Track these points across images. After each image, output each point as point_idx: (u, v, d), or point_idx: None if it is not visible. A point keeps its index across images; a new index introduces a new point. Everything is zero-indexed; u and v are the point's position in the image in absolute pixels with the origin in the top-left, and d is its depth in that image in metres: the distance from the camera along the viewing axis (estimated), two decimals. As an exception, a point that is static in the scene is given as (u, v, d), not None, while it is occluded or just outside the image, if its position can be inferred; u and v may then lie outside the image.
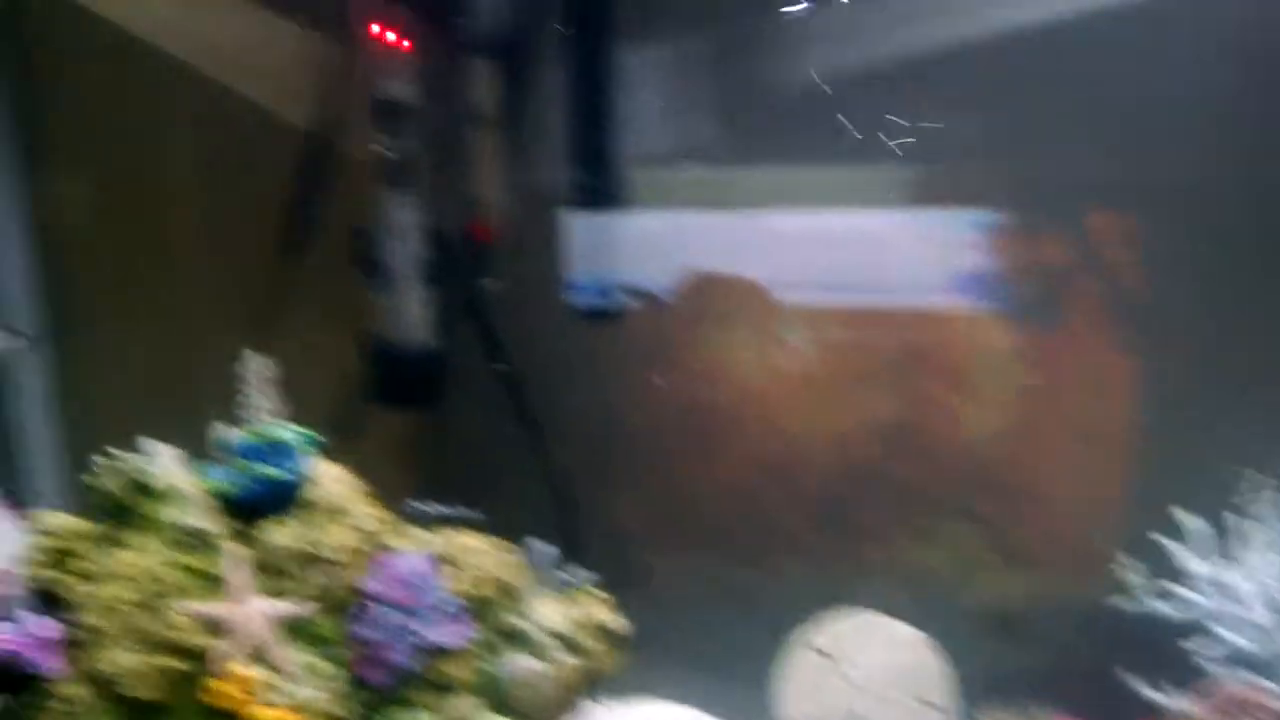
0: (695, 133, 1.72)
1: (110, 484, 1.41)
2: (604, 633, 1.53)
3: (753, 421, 1.82)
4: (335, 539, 1.42)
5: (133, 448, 1.43)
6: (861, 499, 1.79)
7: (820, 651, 1.55)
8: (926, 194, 1.67)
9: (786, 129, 1.64)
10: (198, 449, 1.48)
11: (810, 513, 1.82)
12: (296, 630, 1.38)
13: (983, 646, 1.67)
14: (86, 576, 1.36)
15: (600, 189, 1.71)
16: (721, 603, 1.81)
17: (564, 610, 1.52)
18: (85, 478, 1.42)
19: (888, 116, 1.57)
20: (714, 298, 1.81)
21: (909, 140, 1.59)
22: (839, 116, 1.57)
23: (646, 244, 1.79)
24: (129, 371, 1.86)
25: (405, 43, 1.56)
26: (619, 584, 1.58)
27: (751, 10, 1.63)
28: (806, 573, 1.79)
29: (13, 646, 1.31)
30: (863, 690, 1.51)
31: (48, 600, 1.37)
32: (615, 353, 1.83)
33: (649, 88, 1.69)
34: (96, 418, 1.83)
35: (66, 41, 1.75)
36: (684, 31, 1.69)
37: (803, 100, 1.62)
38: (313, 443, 1.47)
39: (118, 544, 1.39)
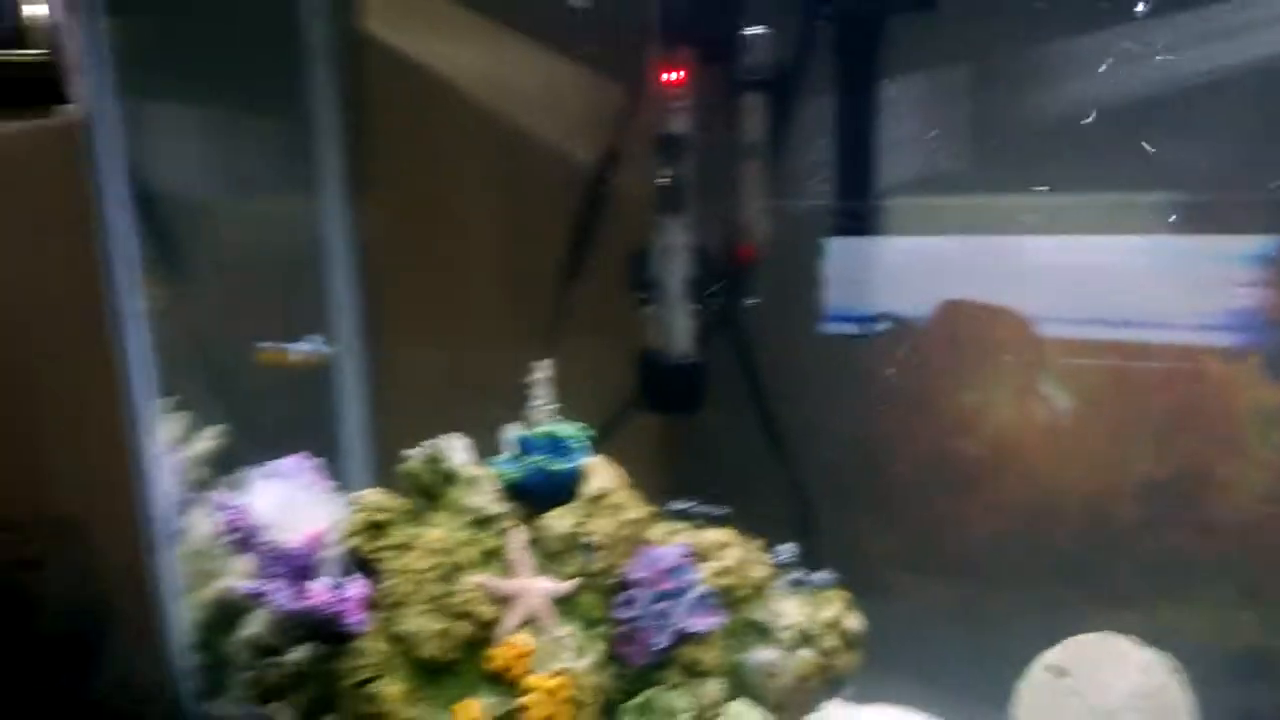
0: (953, 159, 1.70)
1: (418, 469, 1.55)
2: (843, 632, 1.55)
3: (1004, 457, 1.75)
4: (604, 527, 1.49)
5: (434, 440, 1.57)
6: (1117, 552, 1.69)
7: (1058, 670, 1.49)
8: (1197, 223, 1.57)
9: (1047, 155, 1.59)
10: (489, 443, 1.58)
11: (1058, 558, 1.73)
12: (567, 607, 1.46)
13: (1234, 684, 1.60)
14: (395, 547, 1.49)
15: (859, 215, 1.72)
16: (958, 625, 1.77)
17: (805, 608, 1.55)
18: (398, 465, 1.55)
19: (1143, 144, 1.52)
20: (969, 326, 1.74)
21: (1167, 165, 1.53)
22: (1144, 144, 1.51)
23: (904, 270, 1.77)
24: (430, 376, 1.94)
25: (686, 82, 1.63)
26: (855, 593, 1.59)
27: (1008, 41, 1.61)
28: (1048, 613, 1.68)
29: (336, 605, 1.44)
30: (1100, 712, 1.45)
31: (358, 565, 1.49)
32: (865, 375, 1.81)
33: (910, 116, 1.69)
34: (403, 415, 1.91)
35: (387, 84, 1.88)
36: (943, 61, 1.67)
37: (1063, 127, 1.56)
38: (588, 440, 1.54)
39: (422, 521, 1.52)
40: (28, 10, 1.46)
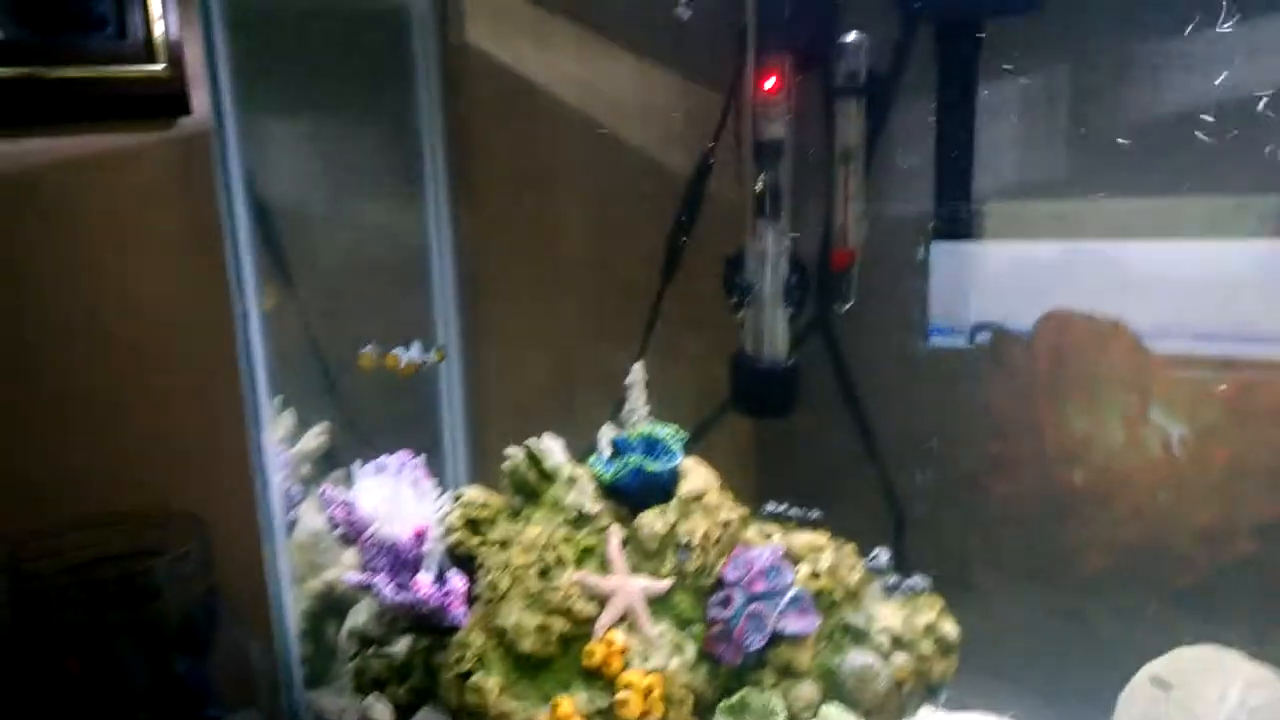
0: (1057, 163, 1.68)
1: (518, 468, 1.57)
2: (938, 638, 1.53)
3: (1109, 485, 1.69)
4: (698, 527, 1.48)
5: (533, 440, 1.59)
6: (1227, 579, 1.63)
7: (1162, 683, 1.45)
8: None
9: (1153, 158, 1.55)
10: (586, 444, 1.59)
11: (1165, 581, 1.67)
12: (661, 606, 1.46)
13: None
14: (495, 543, 1.51)
15: (959, 220, 1.70)
16: (1057, 633, 1.73)
17: (900, 613, 1.54)
18: (499, 463, 1.57)
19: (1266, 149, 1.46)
20: (1074, 339, 1.68)
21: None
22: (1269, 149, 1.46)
23: (1005, 277, 1.75)
24: (531, 379, 1.97)
25: (783, 88, 1.64)
26: (950, 599, 1.58)
27: (1115, 41, 1.58)
28: (1152, 629, 1.64)
29: (439, 599, 1.46)
30: (1205, 725, 1.41)
31: (458, 559, 1.52)
32: (963, 386, 1.79)
33: (1012, 119, 1.68)
34: (504, 415, 1.93)
35: (489, 96, 1.89)
36: (1048, 63, 1.65)
37: (1170, 128, 1.53)
38: (683, 442, 1.54)
39: (522, 518, 1.54)
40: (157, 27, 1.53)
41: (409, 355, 1.73)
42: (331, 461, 1.78)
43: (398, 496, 1.53)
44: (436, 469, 1.63)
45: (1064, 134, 1.66)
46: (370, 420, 1.81)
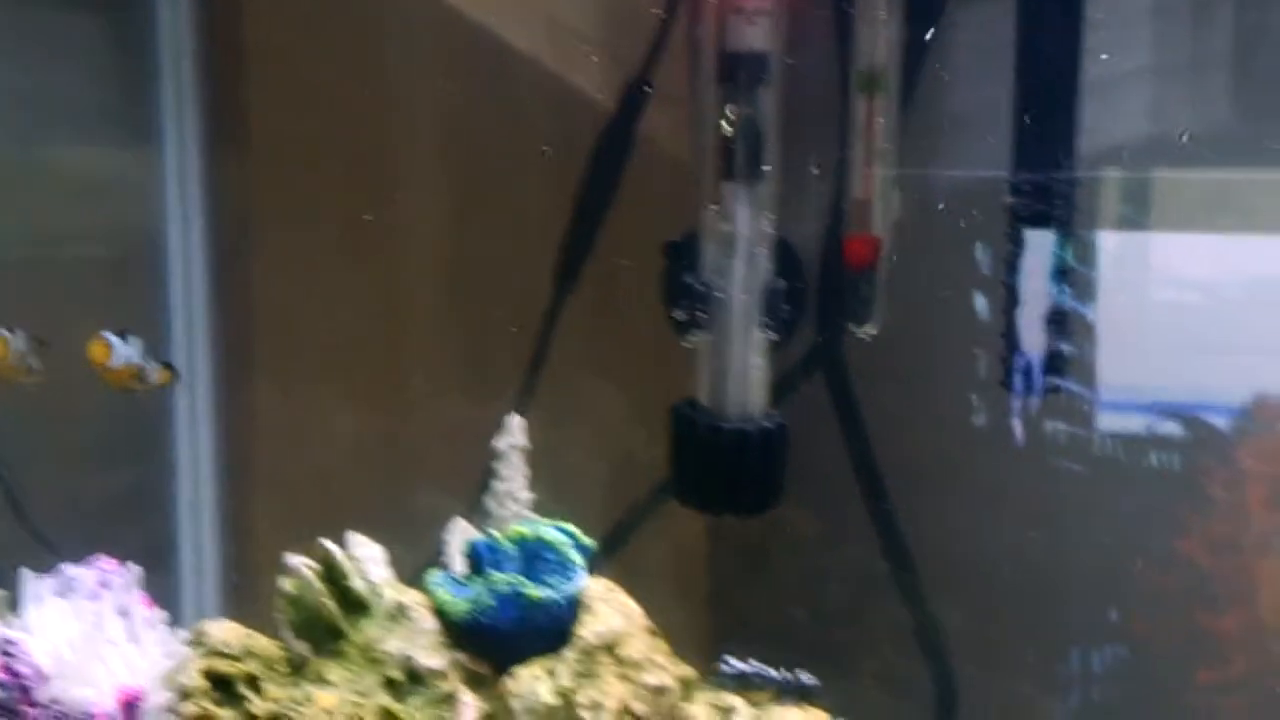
0: (1218, 108, 1.70)
1: (306, 590, 1.47)
2: None
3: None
4: (610, 697, 1.42)
5: (330, 542, 1.49)
6: None
7: None
8: None
9: None
10: (423, 551, 1.54)
11: None
12: None
13: None
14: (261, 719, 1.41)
15: (1052, 193, 1.73)
16: None
17: None
18: (280, 580, 1.47)
19: None
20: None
21: None
22: None
23: (1128, 285, 1.77)
24: (332, 435, 1.99)
25: None
26: None
27: None
28: None
29: None
30: None
31: None
32: (1055, 466, 1.81)
33: (1141, 34, 1.71)
34: (279, 492, 1.95)
35: None
36: None
37: None
38: (588, 552, 1.48)
39: (309, 676, 1.45)
40: None
41: (126, 353, 1.74)
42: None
43: (94, 636, 1.49)
44: (164, 588, 1.62)
45: (1229, 60, 1.70)
46: (49, 495, 1.83)
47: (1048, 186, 1.74)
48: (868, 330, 1.76)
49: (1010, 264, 1.79)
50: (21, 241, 1.86)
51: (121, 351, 1.71)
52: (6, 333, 1.72)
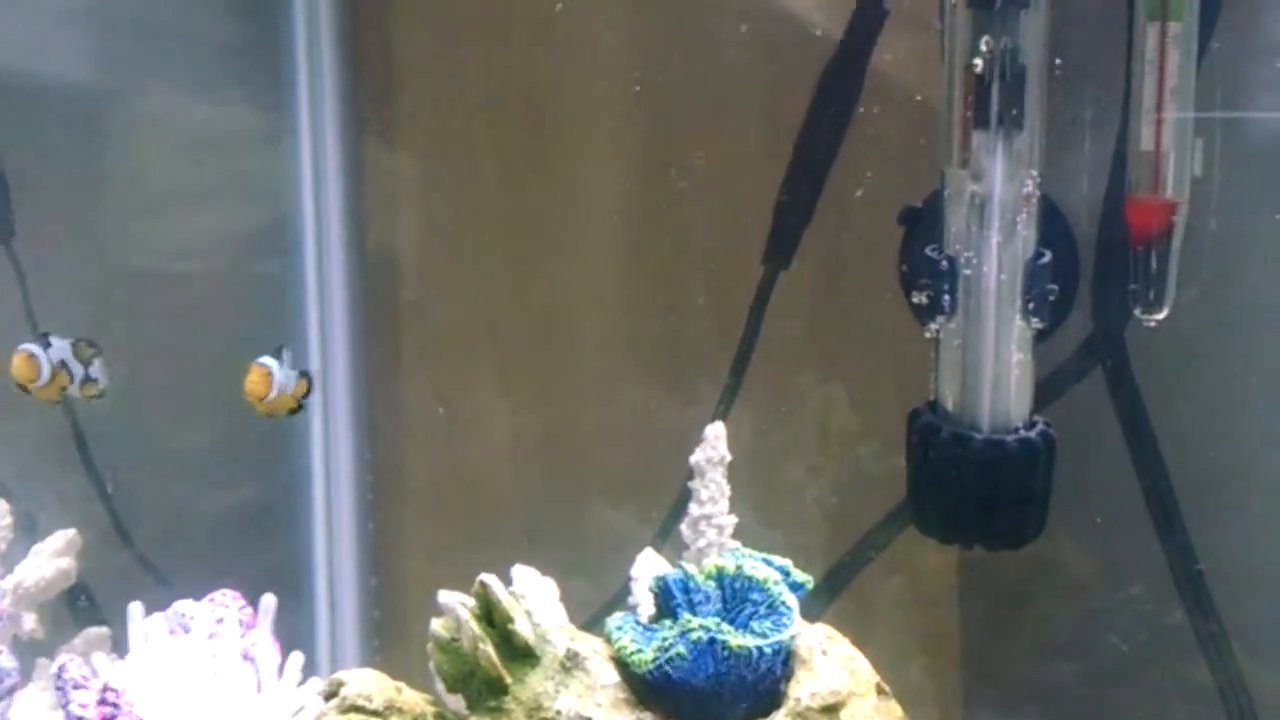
0: None
1: (460, 634, 1.40)
2: None
3: None
4: None
5: (490, 576, 1.43)
6: None
7: None
8: None
9: None
10: (603, 589, 1.58)
11: None
12: None
13: None
14: None
15: None
16: None
17: None
18: (431, 622, 1.43)
19: None
20: None
21: None
22: None
23: None
24: (494, 451, 2.00)
25: None
26: None
27: None
28: None
29: None
30: None
31: None
32: None
33: None
34: (433, 524, 1.93)
35: None
36: None
37: None
38: (804, 590, 1.39)
39: None
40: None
41: (282, 379, 1.72)
42: (80, 604, 1.79)
43: (209, 683, 1.47)
44: (293, 625, 1.60)
45: None
46: (163, 523, 1.82)
47: None
48: (1157, 316, 1.62)
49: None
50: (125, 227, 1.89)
51: (277, 376, 1.70)
52: (35, 349, 1.67)
